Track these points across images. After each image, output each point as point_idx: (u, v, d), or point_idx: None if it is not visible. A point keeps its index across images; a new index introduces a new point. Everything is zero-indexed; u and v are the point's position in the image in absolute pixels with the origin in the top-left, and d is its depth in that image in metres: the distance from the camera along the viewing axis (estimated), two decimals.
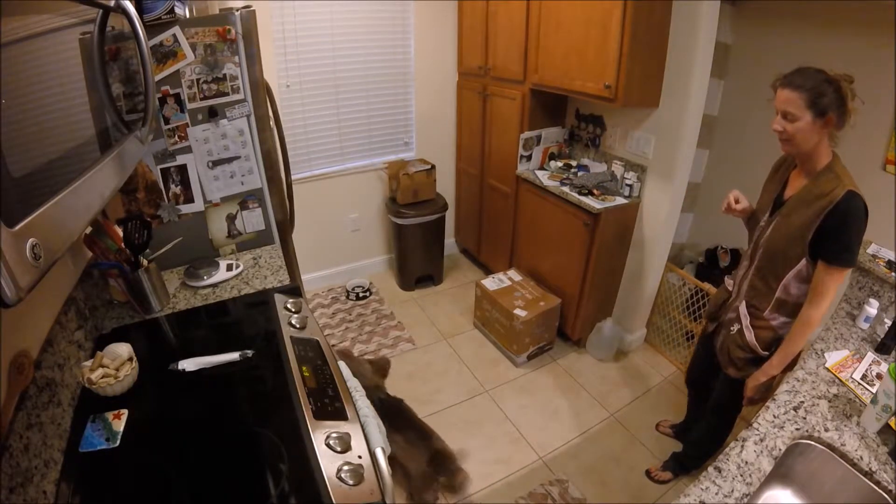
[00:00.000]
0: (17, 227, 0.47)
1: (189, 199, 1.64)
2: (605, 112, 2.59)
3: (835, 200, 1.20)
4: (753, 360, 1.47)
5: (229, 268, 1.62)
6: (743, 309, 1.49)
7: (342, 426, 1.00)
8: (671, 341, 2.67)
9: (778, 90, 1.23)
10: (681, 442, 2.10)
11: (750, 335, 1.46)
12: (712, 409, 1.74)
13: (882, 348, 1.37)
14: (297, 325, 1.31)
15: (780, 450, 1.04)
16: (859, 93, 1.20)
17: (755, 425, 1.09)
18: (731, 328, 1.53)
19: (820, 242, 1.25)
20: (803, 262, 1.30)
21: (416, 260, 3.25)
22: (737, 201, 1.50)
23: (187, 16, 1.44)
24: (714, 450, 1.83)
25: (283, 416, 1.02)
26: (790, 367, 1.41)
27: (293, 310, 1.38)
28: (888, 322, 1.40)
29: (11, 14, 0.56)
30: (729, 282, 1.62)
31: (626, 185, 2.38)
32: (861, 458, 1.02)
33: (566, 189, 2.43)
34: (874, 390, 1.18)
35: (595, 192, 2.39)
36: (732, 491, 0.94)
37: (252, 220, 1.78)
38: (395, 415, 2.02)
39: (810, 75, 1.19)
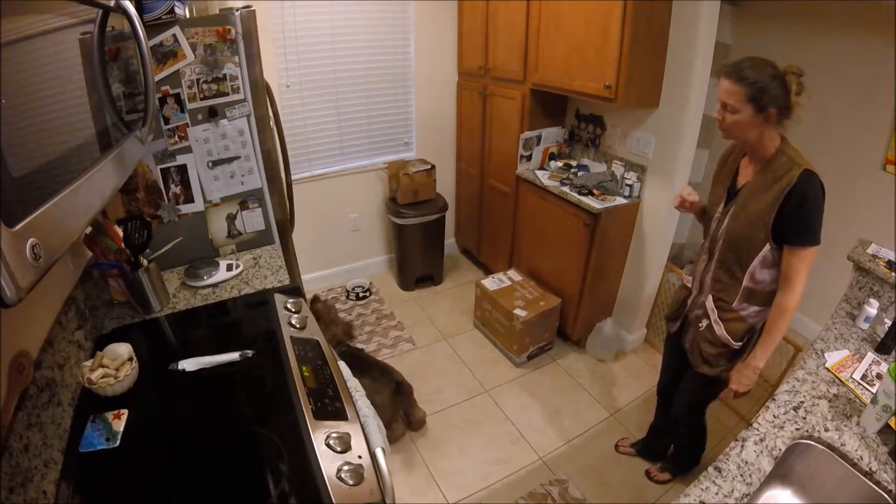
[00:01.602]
0: (17, 227, 0.47)
1: (189, 199, 1.64)
2: (605, 112, 2.59)
3: (792, 182, 1.18)
4: (726, 355, 1.45)
5: (229, 268, 1.62)
6: (710, 303, 1.45)
7: (342, 426, 1.00)
8: None
9: (721, 79, 1.21)
10: (645, 459, 2.06)
11: (720, 329, 1.42)
12: (688, 409, 1.69)
13: (882, 348, 1.37)
14: (297, 325, 1.31)
15: (780, 450, 1.04)
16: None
17: (755, 425, 1.09)
18: (700, 325, 1.49)
19: (782, 226, 1.23)
20: (767, 247, 1.27)
21: (416, 260, 3.24)
22: (689, 195, 1.47)
23: (187, 16, 1.44)
24: (703, 445, 1.86)
25: (283, 416, 1.02)
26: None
27: (293, 310, 1.38)
28: (888, 322, 1.40)
29: (11, 14, 0.56)
30: (687, 279, 1.58)
31: (626, 185, 2.38)
32: (861, 458, 1.02)
33: (566, 189, 2.43)
34: (874, 390, 1.18)
35: (595, 192, 2.39)
36: (732, 491, 0.94)
37: (252, 220, 1.78)
38: (358, 361, 2.17)
39: (757, 68, 1.16)
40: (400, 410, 2.17)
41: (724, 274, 1.40)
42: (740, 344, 1.41)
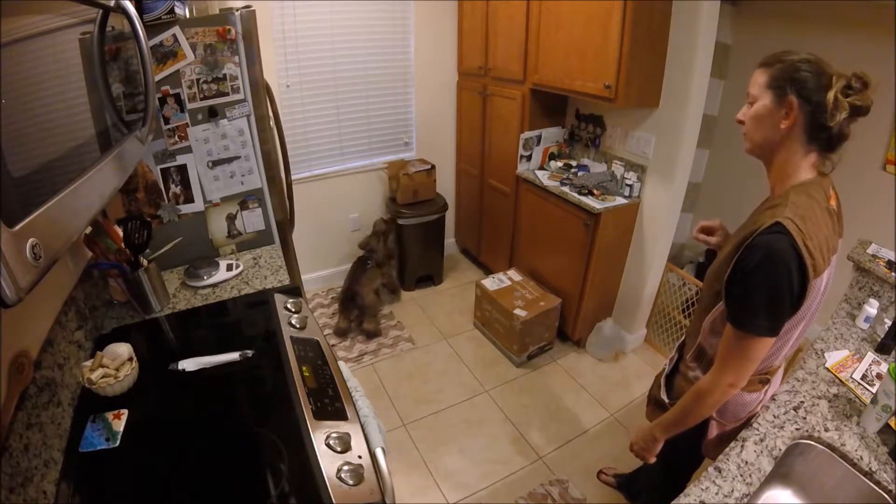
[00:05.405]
0: (17, 227, 0.47)
1: (189, 199, 1.64)
2: (605, 112, 2.59)
3: (756, 232, 0.89)
4: (662, 407, 1.24)
5: (229, 268, 1.62)
6: (679, 344, 1.30)
7: (342, 426, 1.00)
8: (671, 341, 2.66)
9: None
10: (623, 494, 1.87)
11: (665, 373, 1.28)
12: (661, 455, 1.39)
13: (882, 348, 1.37)
14: (297, 325, 1.31)
15: (780, 450, 1.04)
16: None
17: (755, 425, 1.09)
18: (666, 364, 1.32)
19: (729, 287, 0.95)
20: (719, 307, 1.01)
21: (416, 260, 3.24)
22: (710, 233, 1.26)
23: (187, 16, 1.44)
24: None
25: (283, 416, 1.02)
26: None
27: (293, 310, 1.38)
28: (888, 322, 1.40)
29: (11, 14, 0.56)
30: None
31: (626, 185, 2.38)
32: (861, 458, 1.02)
33: (566, 189, 2.43)
34: (874, 390, 1.18)
35: (595, 192, 2.39)
36: (732, 491, 0.94)
37: (252, 220, 1.78)
38: (359, 263, 2.94)
39: (793, 52, 0.92)
40: (351, 313, 2.81)
41: (696, 320, 1.17)
42: (671, 403, 1.20)
